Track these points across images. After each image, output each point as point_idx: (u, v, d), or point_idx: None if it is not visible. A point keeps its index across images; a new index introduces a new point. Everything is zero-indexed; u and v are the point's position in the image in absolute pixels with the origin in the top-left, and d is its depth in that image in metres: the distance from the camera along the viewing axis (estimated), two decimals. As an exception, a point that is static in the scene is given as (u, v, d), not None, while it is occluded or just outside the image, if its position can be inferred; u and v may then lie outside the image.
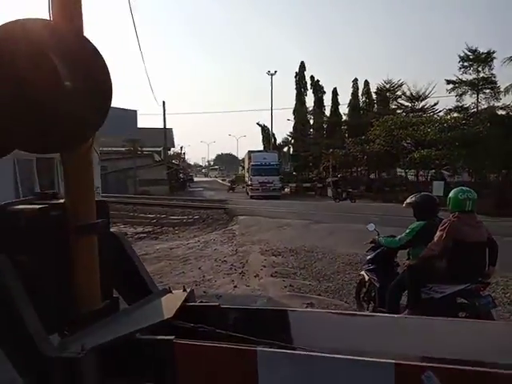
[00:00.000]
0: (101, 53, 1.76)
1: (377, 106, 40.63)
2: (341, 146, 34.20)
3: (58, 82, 1.64)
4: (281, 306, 5.88)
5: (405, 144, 28.79)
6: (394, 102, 38.65)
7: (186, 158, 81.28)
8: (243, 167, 49.09)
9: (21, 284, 1.78)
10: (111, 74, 1.78)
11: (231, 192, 37.88)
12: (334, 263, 8.74)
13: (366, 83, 42.02)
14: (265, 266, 8.52)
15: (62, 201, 2.10)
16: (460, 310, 4.37)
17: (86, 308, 2.06)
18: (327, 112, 44.04)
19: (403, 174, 31.56)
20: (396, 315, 2.82)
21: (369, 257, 5.32)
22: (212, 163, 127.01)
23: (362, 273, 5.42)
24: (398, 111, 36.59)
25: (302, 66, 45.23)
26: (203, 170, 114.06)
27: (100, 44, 1.77)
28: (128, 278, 2.46)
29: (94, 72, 1.76)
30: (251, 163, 33.09)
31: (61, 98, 1.67)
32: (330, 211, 18.99)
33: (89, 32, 1.94)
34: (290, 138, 49.13)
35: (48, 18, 1.82)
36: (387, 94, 38.65)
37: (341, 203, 25.36)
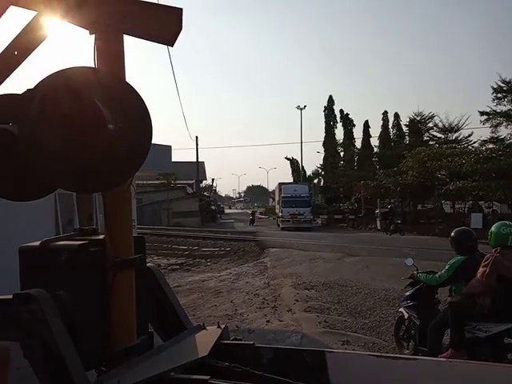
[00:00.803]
0: (142, 96, 1.83)
1: (408, 137, 40.27)
2: (372, 178, 33.78)
3: (102, 126, 1.71)
4: (316, 343, 5.72)
5: (439, 175, 28.18)
6: (426, 134, 38.20)
7: (217, 190, 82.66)
8: (273, 199, 49.18)
9: (60, 320, 1.79)
10: (151, 116, 1.85)
11: (251, 225, 36.14)
12: (370, 298, 8.47)
13: (396, 115, 41.96)
14: (298, 301, 8.35)
15: (101, 237, 2.15)
16: (508, 351, 4.13)
17: (122, 344, 2.06)
18: (357, 144, 44.05)
19: (439, 205, 30.72)
20: (442, 359, 2.66)
21: (408, 293, 5.13)
22: (243, 195, 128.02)
23: (401, 310, 5.22)
24: (431, 143, 36.08)
25: (331, 100, 45.99)
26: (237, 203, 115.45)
27: (139, 86, 1.85)
28: (162, 312, 2.45)
29: (135, 115, 1.83)
30: (282, 195, 33.09)
31: (104, 140, 1.73)
32: (363, 244, 18.57)
33: (129, 74, 2.04)
34: (320, 170, 49.16)
35: (93, 66, 1.92)
36: (419, 125, 38.27)
37: (375, 235, 24.79)
